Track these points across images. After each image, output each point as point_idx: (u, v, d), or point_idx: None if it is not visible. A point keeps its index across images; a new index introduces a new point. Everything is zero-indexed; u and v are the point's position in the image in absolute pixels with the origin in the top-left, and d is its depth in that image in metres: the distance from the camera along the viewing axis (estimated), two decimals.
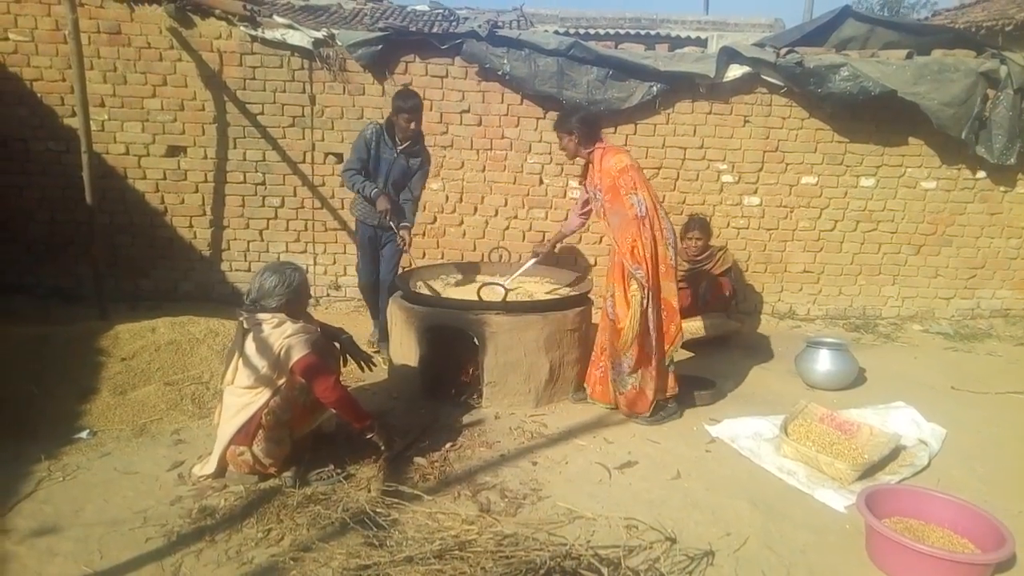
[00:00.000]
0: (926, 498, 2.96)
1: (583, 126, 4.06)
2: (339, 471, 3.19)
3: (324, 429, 3.40)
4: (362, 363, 3.66)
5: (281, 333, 3.04)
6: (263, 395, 3.04)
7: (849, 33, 6.25)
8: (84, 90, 4.80)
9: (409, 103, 4.55)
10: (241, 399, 3.06)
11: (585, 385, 4.25)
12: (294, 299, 3.18)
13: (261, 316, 3.08)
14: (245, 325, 3.09)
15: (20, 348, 3.93)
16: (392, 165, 4.68)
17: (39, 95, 5.61)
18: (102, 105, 5.62)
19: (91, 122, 5.00)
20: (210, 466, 3.12)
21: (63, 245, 5.81)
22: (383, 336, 4.88)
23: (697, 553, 2.69)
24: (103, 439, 3.48)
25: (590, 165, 4.11)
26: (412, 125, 4.59)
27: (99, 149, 5.54)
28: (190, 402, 3.82)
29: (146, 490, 3.05)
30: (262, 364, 3.02)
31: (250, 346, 3.05)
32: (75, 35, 4.68)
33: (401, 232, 4.69)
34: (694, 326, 5.23)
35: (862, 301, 6.43)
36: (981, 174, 6.15)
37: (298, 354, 3.02)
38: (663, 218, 3.96)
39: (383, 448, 3.28)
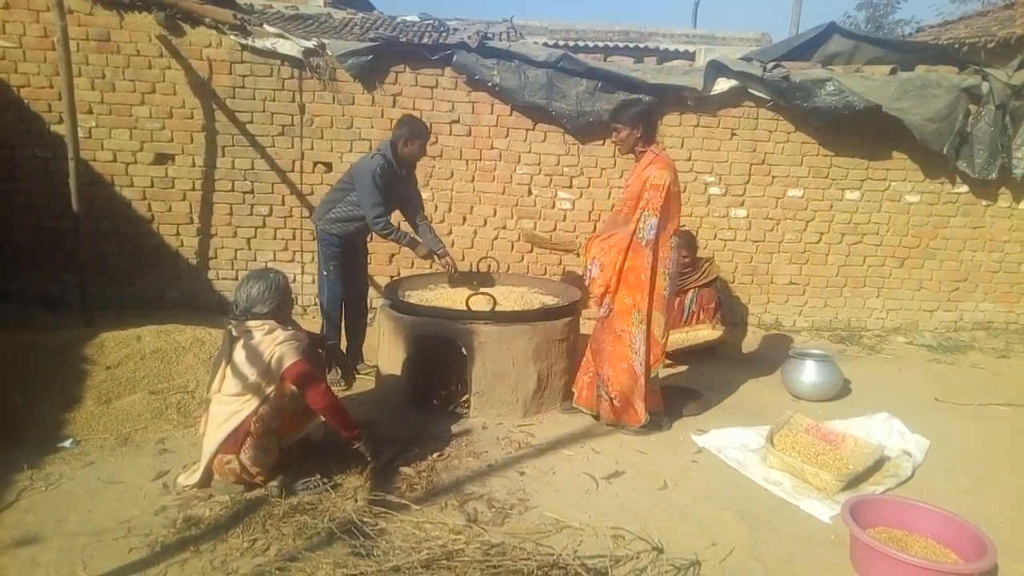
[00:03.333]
0: (910, 508, 2.98)
1: (648, 123, 3.85)
2: (326, 480, 3.17)
3: (312, 438, 3.39)
4: (346, 373, 3.67)
5: (272, 340, 3.04)
6: (251, 403, 3.03)
7: (834, 49, 6.34)
8: (72, 97, 4.77)
9: (426, 127, 4.49)
10: (229, 407, 3.04)
11: (573, 389, 4.25)
12: (283, 302, 3.20)
13: (251, 324, 3.08)
14: (234, 333, 3.08)
15: (4, 355, 3.89)
16: (397, 191, 4.56)
17: (26, 101, 5.58)
18: (90, 112, 5.60)
19: (78, 129, 4.97)
20: (196, 475, 3.10)
21: (49, 252, 5.76)
22: (358, 359, 4.86)
23: (683, 563, 2.70)
24: (87, 448, 3.45)
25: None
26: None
27: (86, 156, 5.51)
28: (175, 411, 3.79)
29: (130, 500, 3.02)
30: (252, 372, 3.01)
31: (239, 354, 3.04)
32: (64, 42, 4.66)
33: (446, 259, 4.75)
34: (680, 337, 5.26)
35: (847, 313, 6.49)
36: (963, 188, 6.24)
37: (289, 361, 3.02)
38: (674, 249, 3.84)
39: (370, 458, 3.27)
